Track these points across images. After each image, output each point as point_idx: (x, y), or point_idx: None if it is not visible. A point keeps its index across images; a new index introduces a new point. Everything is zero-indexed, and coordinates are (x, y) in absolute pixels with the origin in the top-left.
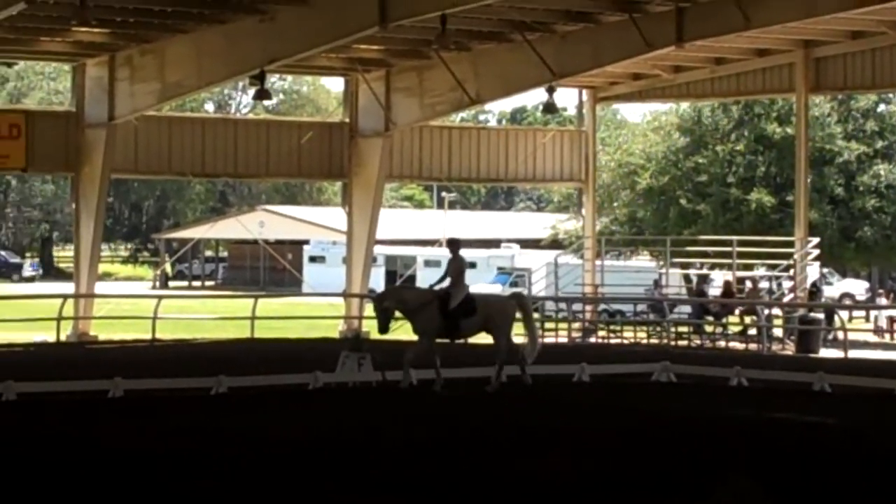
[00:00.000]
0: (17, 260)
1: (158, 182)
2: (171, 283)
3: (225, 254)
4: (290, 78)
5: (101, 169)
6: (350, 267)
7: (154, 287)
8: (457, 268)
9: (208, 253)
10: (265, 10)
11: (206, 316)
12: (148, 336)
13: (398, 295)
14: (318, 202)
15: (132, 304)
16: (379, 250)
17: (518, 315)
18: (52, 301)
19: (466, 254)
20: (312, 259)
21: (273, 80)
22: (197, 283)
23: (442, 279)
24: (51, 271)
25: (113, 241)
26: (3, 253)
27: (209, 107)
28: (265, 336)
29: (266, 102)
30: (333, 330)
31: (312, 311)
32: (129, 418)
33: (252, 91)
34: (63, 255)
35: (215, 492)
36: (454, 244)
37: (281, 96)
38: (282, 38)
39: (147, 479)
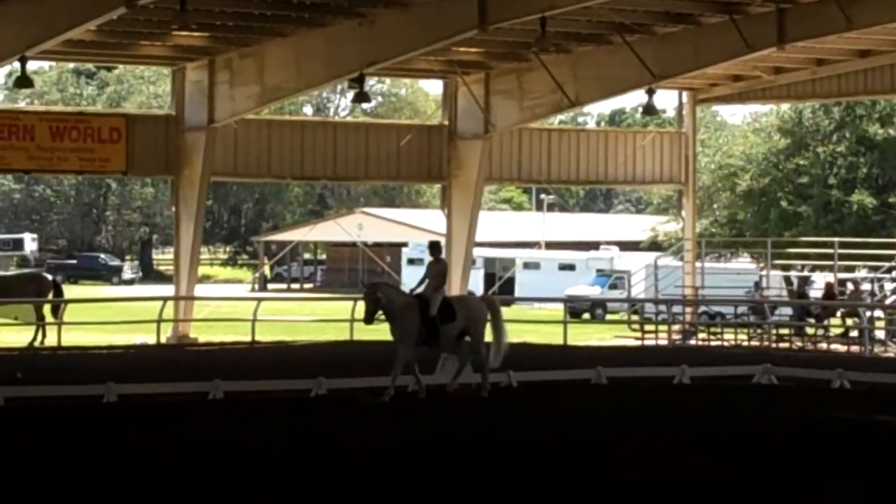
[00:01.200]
0: (117, 263)
1: (257, 185)
2: (270, 286)
3: (323, 256)
4: (388, 81)
5: (200, 172)
6: (449, 269)
7: (253, 289)
8: (438, 271)
9: (307, 255)
10: (364, 13)
11: (305, 318)
12: (247, 338)
13: (388, 292)
14: (417, 204)
15: (231, 306)
16: (478, 253)
17: (488, 318)
18: (152, 304)
19: (566, 255)
20: (411, 261)
21: (371, 83)
22: (296, 286)
23: (422, 282)
24: (150, 274)
25: (212, 244)
26: (103, 256)
27: (307, 110)
28: (364, 338)
29: (364, 105)
30: None
31: None
32: (229, 420)
33: (351, 94)
34: (162, 257)
35: (319, 492)
36: (435, 247)
37: (379, 99)
38: (381, 41)
39: (251, 479)
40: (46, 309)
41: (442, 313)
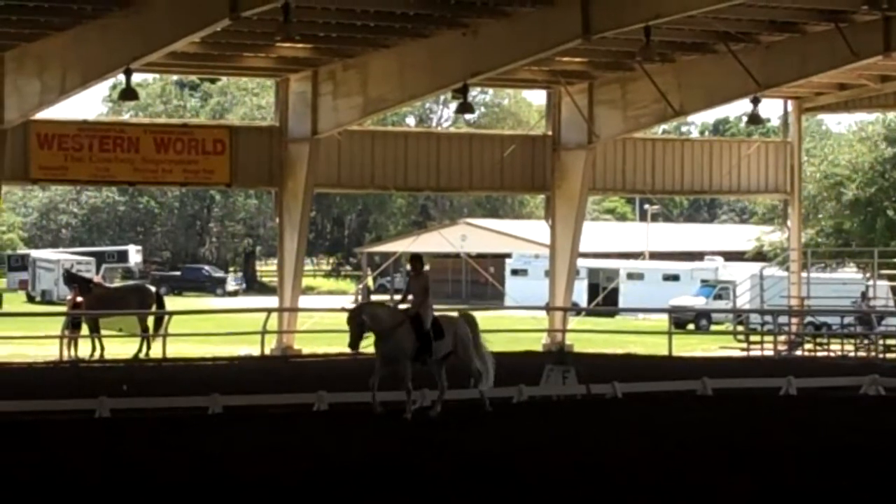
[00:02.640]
0: (220, 274)
1: (360, 196)
2: (374, 297)
3: (427, 267)
4: (491, 91)
5: (304, 183)
6: (553, 280)
7: (356, 301)
8: (421, 286)
9: (409, 267)
10: (468, 23)
11: None
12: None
13: (373, 311)
14: (520, 215)
15: (335, 317)
16: (582, 263)
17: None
18: (255, 315)
19: (669, 266)
20: (514, 272)
21: (474, 94)
22: (399, 297)
23: (405, 297)
24: (254, 285)
25: (315, 255)
26: (206, 268)
27: (410, 121)
28: None
29: (468, 116)
30: (537, 343)
31: (515, 325)
32: (334, 431)
33: (454, 104)
34: (266, 269)
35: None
36: (417, 261)
37: (482, 109)
38: (484, 52)
39: (359, 490)
40: (150, 321)
41: (433, 329)
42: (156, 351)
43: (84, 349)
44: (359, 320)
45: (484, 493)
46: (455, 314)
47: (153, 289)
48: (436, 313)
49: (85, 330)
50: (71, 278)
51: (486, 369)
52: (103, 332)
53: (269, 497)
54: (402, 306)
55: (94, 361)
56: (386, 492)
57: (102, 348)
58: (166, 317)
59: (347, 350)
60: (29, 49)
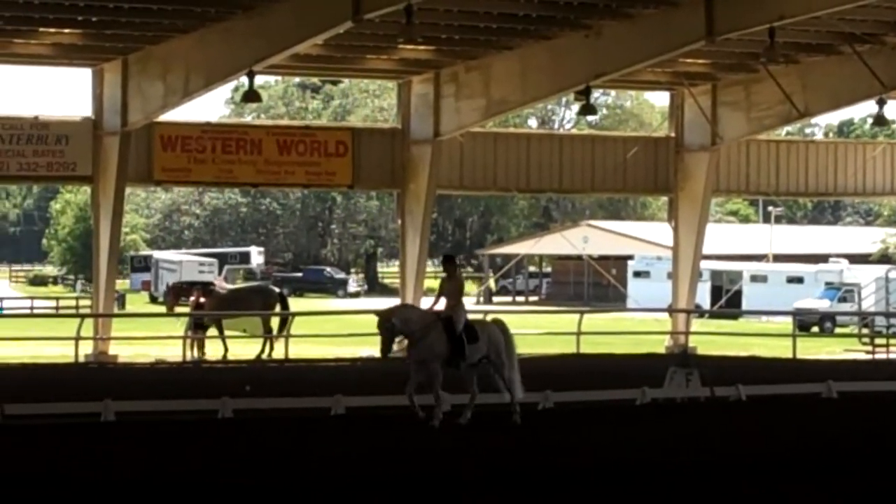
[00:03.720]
0: (342, 276)
1: (482, 198)
2: (495, 299)
3: (549, 269)
4: (613, 93)
5: (426, 185)
6: (676, 282)
7: (478, 302)
8: (455, 288)
9: (532, 268)
10: (590, 25)
11: (531, 331)
12: None
13: (404, 315)
14: (643, 217)
15: None
16: (704, 265)
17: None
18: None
19: (793, 269)
20: (637, 274)
21: (596, 95)
22: (521, 299)
23: (437, 299)
24: (375, 287)
25: (437, 257)
26: (328, 269)
27: (532, 122)
28: (591, 351)
29: (590, 117)
30: (659, 345)
31: (638, 327)
32: (456, 432)
33: (576, 106)
34: (387, 270)
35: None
36: (449, 262)
37: (605, 111)
38: (607, 53)
39: (475, 487)
40: (274, 322)
41: (466, 333)
42: (278, 352)
43: (208, 349)
44: (388, 325)
45: (605, 494)
46: (488, 320)
47: (276, 290)
48: (469, 317)
49: (212, 331)
50: (175, 289)
51: (515, 380)
52: (227, 332)
53: (390, 498)
54: (439, 307)
55: (216, 362)
56: (502, 492)
57: (226, 349)
58: (290, 317)
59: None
60: (153, 52)
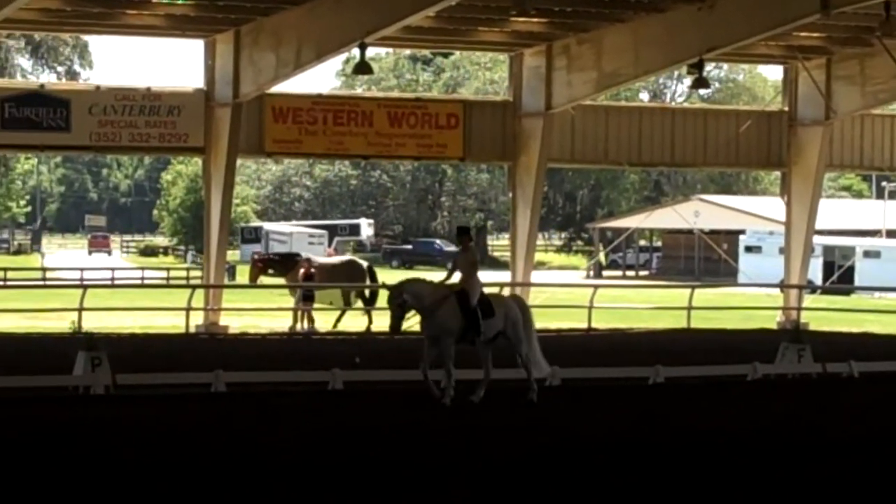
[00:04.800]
0: (452, 248)
1: (593, 171)
2: (605, 273)
3: (659, 243)
4: (726, 66)
5: (537, 158)
6: (788, 257)
7: (588, 276)
8: (468, 260)
9: (642, 242)
10: None
11: (641, 305)
12: (583, 325)
13: (415, 289)
14: (754, 191)
15: (567, 293)
16: (817, 240)
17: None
18: (487, 290)
19: None
20: (748, 249)
21: (709, 69)
22: (631, 273)
23: (450, 273)
24: (485, 260)
25: (547, 230)
26: (438, 241)
27: (644, 96)
28: (701, 326)
29: (702, 91)
30: (771, 321)
31: (749, 302)
32: (567, 405)
33: (688, 80)
34: (497, 243)
35: (656, 479)
36: (464, 234)
37: (717, 85)
38: (721, 26)
39: (596, 463)
40: (358, 295)
41: (481, 308)
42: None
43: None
44: (399, 300)
45: (708, 471)
46: (506, 293)
47: (364, 263)
48: (485, 291)
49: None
50: (259, 261)
51: (535, 357)
52: (315, 304)
53: (500, 473)
54: (452, 280)
55: (326, 334)
56: (626, 468)
57: (311, 321)
58: (380, 291)
59: (580, 325)
60: (264, 23)
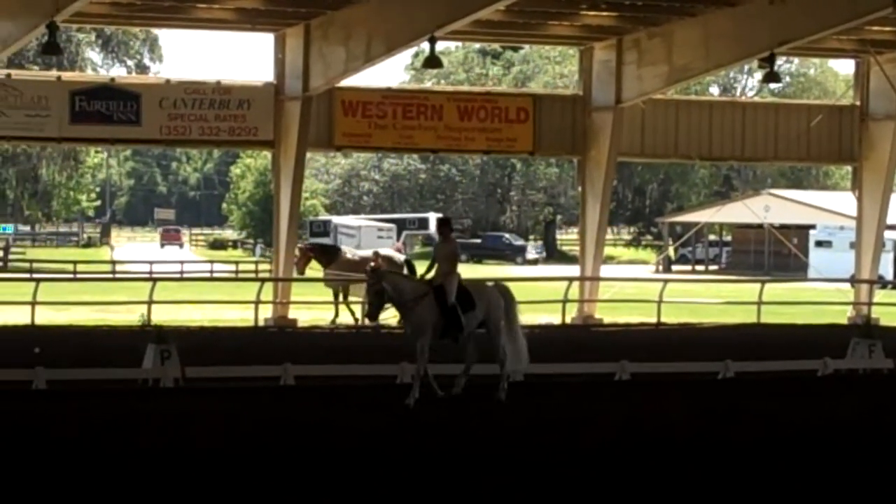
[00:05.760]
0: (520, 242)
1: (662, 166)
2: (675, 267)
3: (729, 238)
4: (796, 60)
5: (607, 152)
6: (859, 252)
7: (657, 271)
8: (447, 252)
9: (712, 237)
10: None
11: (711, 300)
12: (652, 319)
13: (395, 281)
14: (825, 186)
15: (636, 287)
16: (888, 235)
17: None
18: (556, 284)
19: None
20: (818, 244)
21: (780, 63)
22: (700, 267)
23: (430, 267)
24: (554, 254)
25: (616, 225)
26: (507, 236)
27: (714, 90)
28: (771, 321)
29: (773, 85)
30: (842, 316)
31: (819, 297)
32: (633, 400)
33: (759, 74)
34: (566, 237)
35: (722, 474)
36: (444, 225)
37: (787, 79)
38: (792, 20)
39: (663, 457)
40: None
41: (460, 301)
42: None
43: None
44: (377, 288)
45: (774, 466)
46: (490, 284)
47: (402, 257)
48: (465, 281)
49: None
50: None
51: (515, 348)
52: (351, 298)
53: (576, 465)
54: (430, 275)
55: (394, 328)
56: (692, 463)
57: (336, 314)
58: None
59: (649, 320)
60: (334, 17)
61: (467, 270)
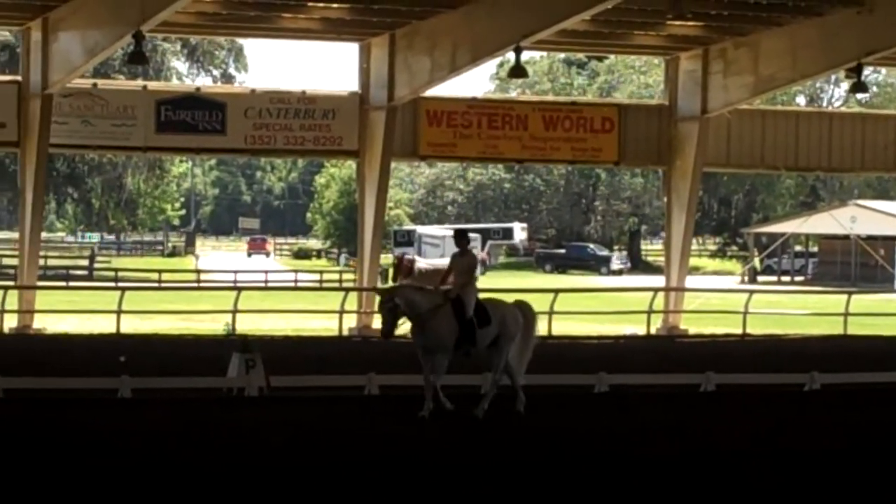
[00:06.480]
0: (605, 253)
1: (748, 176)
2: (760, 278)
3: (815, 249)
4: (884, 70)
5: (693, 163)
6: None
7: (742, 281)
8: (466, 265)
9: (798, 248)
10: (863, 1)
11: (797, 311)
12: (738, 330)
13: (408, 295)
14: None
15: (721, 298)
16: None
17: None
18: (640, 294)
19: None
20: None
21: (867, 73)
22: (786, 278)
23: (445, 278)
24: (638, 264)
25: (701, 235)
26: (591, 246)
27: (800, 100)
28: (858, 332)
29: (859, 95)
30: None
31: None
32: (718, 412)
33: (845, 84)
34: (651, 248)
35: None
36: (462, 237)
37: (874, 89)
38: (880, 30)
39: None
40: None
41: (476, 316)
42: (542, 328)
43: None
44: (390, 305)
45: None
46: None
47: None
48: (481, 297)
49: None
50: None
51: (521, 366)
52: None
53: (658, 474)
54: (444, 288)
55: None
56: (772, 474)
57: None
58: None
59: (735, 331)
60: (419, 27)
61: (551, 280)
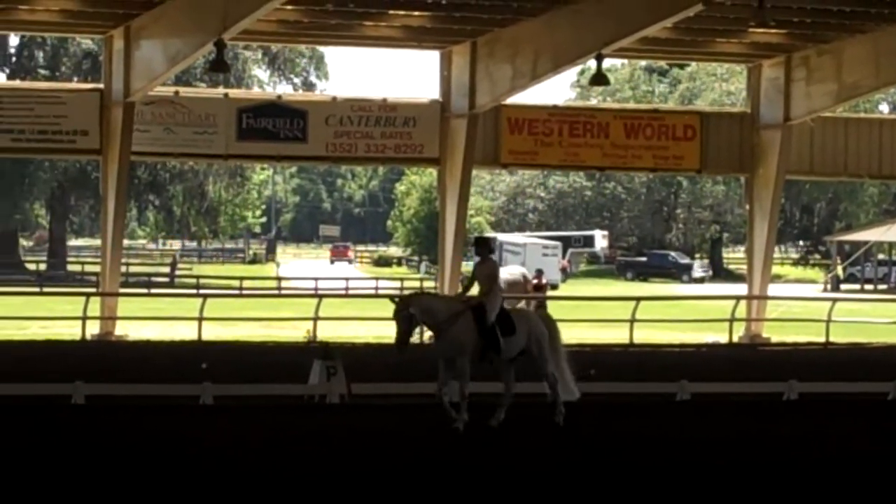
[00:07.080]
0: (686, 261)
1: (831, 184)
2: (843, 286)
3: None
4: None
5: (775, 170)
6: None
7: (825, 290)
8: (488, 272)
9: (881, 256)
10: None
11: (881, 320)
12: (821, 339)
13: (425, 303)
14: None
15: (804, 306)
16: None
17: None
18: (722, 302)
19: None
20: None
21: None
22: (869, 287)
23: (468, 286)
24: (720, 272)
25: (784, 243)
26: (673, 254)
27: (883, 107)
28: None
29: None
30: None
31: None
32: (801, 420)
33: None
34: (732, 256)
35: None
36: (483, 244)
37: None
38: None
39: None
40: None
41: (500, 324)
42: (623, 336)
43: None
44: (405, 314)
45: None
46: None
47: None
48: (507, 307)
49: None
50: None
51: (563, 380)
52: None
53: (740, 483)
54: (470, 293)
55: None
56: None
57: None
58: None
59: (818, 339)
60: (501, 35)
61: (633, 288)
